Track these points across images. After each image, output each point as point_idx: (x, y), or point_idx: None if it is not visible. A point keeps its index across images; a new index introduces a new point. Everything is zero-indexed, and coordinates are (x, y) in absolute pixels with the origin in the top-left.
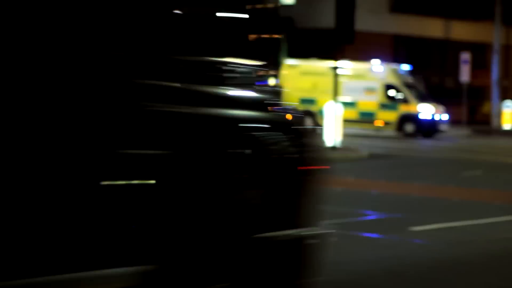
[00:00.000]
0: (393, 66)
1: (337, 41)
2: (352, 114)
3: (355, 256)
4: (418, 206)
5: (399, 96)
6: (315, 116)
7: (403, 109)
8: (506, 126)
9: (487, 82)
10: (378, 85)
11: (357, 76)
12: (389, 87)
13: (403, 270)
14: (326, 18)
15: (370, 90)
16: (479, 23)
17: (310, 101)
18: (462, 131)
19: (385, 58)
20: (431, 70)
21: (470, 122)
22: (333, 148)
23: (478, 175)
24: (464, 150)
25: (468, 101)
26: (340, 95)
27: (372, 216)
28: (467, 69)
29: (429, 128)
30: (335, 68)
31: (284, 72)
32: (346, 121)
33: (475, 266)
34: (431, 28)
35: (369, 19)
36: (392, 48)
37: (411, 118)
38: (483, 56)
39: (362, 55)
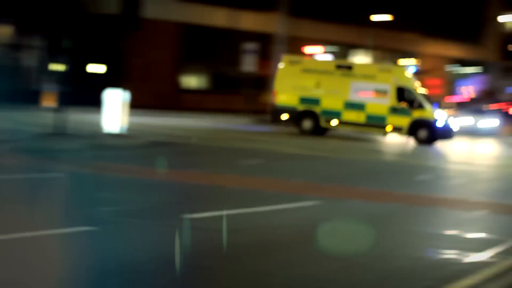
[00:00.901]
0: (403, 67)
1: (123, 27)
2: (360, 117)
3: (125, 244)
4: (193, 193)
5: (413, 100)
6: (318, 117)
7: (417, 114)
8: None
9: (271, 72)
10: (390, 88)
11: (367, 77)
12: (401, 90)
13: (173, 257)
14: (114, 3)
15: (380, 92)
16: (264, 13)
17: (313, 101)
18: (243, 120)
19: (171, 47)
20: (215, 60)
21: (248, 111)
22: (116, 135)
23: (257, 164)
24: (244, 140)
25: (250, 91)
26: (346, 96)
27: (144, 203)
28: (252, 59)
29: (443, 135)
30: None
31: (282, 68)
32: (352, 124)
33: (245, 253)
34: (217, 17)
35: (155, 6)
36: (177, 37)
37: (425, 124)
38: (268, 47)
39: (148, 44)
